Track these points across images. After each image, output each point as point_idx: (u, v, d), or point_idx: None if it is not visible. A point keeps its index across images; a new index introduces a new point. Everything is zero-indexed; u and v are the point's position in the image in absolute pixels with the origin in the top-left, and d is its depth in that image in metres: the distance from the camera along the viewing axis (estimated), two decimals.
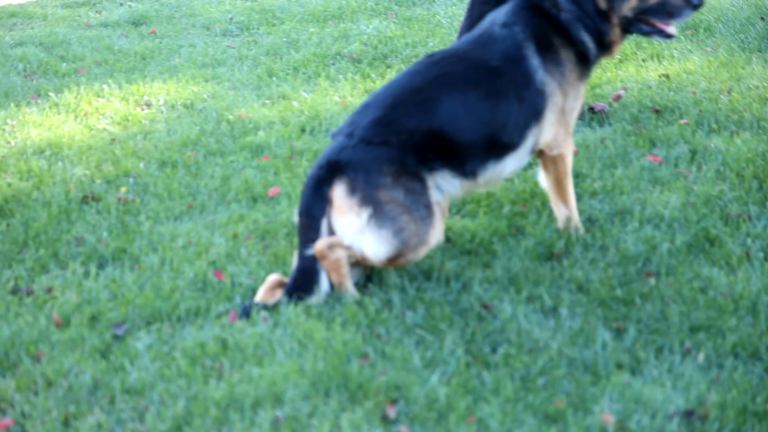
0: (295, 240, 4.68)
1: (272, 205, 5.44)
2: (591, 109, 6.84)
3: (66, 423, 3.65)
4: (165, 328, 4.23)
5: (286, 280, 4.43)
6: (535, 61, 4.67)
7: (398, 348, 3.97)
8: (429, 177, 4.46)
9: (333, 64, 8.55)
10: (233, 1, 11.81)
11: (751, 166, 5.68)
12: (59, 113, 7.30)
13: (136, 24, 10.81)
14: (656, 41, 8.19)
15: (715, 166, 5.73)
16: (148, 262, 4.84)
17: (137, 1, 12.12)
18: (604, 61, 8.04)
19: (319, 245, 4.30)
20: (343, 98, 7.38)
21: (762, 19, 9.22)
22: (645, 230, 4.96)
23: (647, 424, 3.50)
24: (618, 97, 7.07)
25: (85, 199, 5.62)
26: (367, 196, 4.30)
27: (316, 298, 4.34)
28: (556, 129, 4.77)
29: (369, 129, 4.44)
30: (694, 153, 6.00)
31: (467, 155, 4.54)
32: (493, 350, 3.98)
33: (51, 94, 7.75)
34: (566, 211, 4.94)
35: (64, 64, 8.88)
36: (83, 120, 7.11)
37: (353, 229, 4.30)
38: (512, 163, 4.71)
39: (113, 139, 6.64)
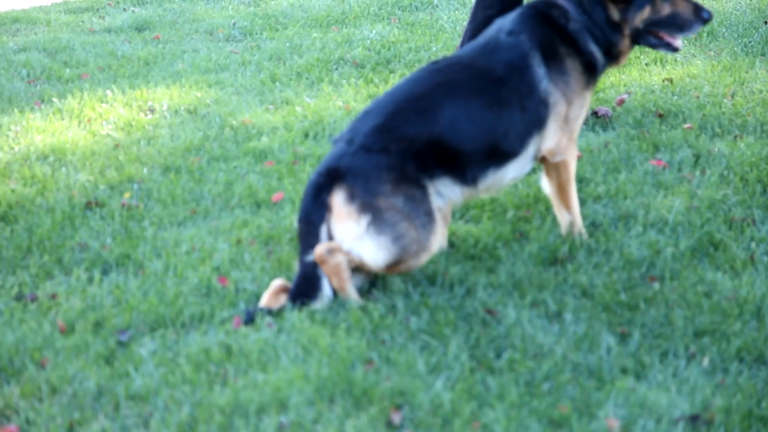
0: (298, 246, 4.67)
1: (276, 211, 5.44)
2: (594, 114, 6.84)
3: (70, 429, 3.65)
4: (169, 334, 4.23)
5: (290, 284, 4.43)
6: (540, 70, 4.67)
7: (402, 353, 3.97)
8: (430, 184, 4.46)
9: (336, 69, 8.55)
10: (236, 6, 11.83)
11: (755, 170, 5.68)
12: (63, 119, 7.30)
13: (139, 29, 10.82)
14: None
15: (718, 171, 5.72)
16: (152, 268, 4.84)
17: (140, 7, 12.14)
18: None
19: (319, 250, 4.30)
20: (347, 103, 7.38)
21: (765, 23, 9.22)
22: (649, 235, 4.95)
23: (652, 429, 3.50)
24: (621, 102, 7.07)
25: (88, 205, 5.62)
26: (367, 203, 4.30)
27: (320, 304, 4.34)
28: (559, 136, 4.77)
29: (369, 136, 4.44)
30: (697, 157, 6.00)
31: (468, 163, 4.54)
32: (498, 355, 3.98)
33: (54, 99, 7.76)
34: (569, 217, 4.94)
35: (68, 70, 8.88)
36: (87, 126, 7.11)
37: (352, 236, 4.30)
38: (513, 171, 4.71)
39: (117, 145, 6.65)
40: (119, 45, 9.94)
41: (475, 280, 4.55)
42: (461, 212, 5.29)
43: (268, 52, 9.30)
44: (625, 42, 4.89)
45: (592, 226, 5.12)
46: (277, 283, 4.44)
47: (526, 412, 3.60)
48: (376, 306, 4.30)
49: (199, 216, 5.48)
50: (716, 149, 6.07)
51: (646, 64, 8.12)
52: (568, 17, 4.79)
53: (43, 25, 11.31)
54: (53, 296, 4.62)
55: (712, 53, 8.39)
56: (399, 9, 10.85)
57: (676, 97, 7.14)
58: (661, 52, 5.10)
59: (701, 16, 4.91)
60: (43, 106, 7.65)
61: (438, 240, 4.46)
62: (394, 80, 7.94)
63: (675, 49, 4.94)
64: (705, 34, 9.00)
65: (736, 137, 6.30)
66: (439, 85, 4.61)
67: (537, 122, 4.68)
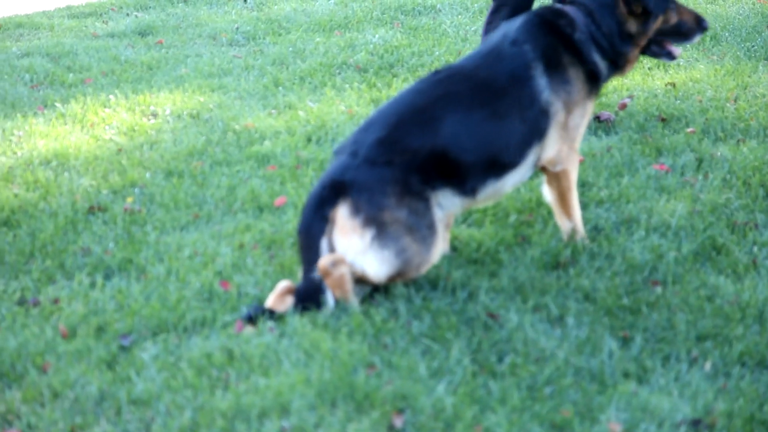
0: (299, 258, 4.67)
1: (278, 215, 5.44)
2: (597, 118, 6.84)
3: None
4: (171, 339, 4.23)
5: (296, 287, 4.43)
6: (542, 81, 4.66)
7: (404, 357, 3.97)
8: (432, 195, 4.46)
9: (339, 73, 8.55)
10: (239, 11, 11.84)
11: (758, 174, 5.67)
12: (66, 124, 7.31)
13: (142, 34, 10.83)
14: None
15: (721, 175, 5.72)
16: (155, 273, 4.84)
17: (144, 12, 12.15)
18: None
19: (323, 263, 4.30)
20: (350, 108, 7.38)
21: None
22: (651, 239, 4.95)
23: None
24: (623, 106, 7.07)
25: (91, 210, 5.62)
26: (371, 217, 4.30)
27: (323, 313, 4.33)
28: (559, 146, 4.77)
29: (373, 148, 4.44)
30: (700, 161, 6.00)
31: (468, 174, 4.54)
32: (500, 359, 3.98)
33: (57, 104, 7.76)
34: (570, 224, 4.94)
35: (71, 75, 8.89)
36: (90, 130, 7.12)
37: (356, 249, 4.30)
38: (512, 180, 4.72)
39: (120, 150, 6.65)
40: (122, 50, 9.95)
41: (478, 284, 4.55)
42: (464, 216, 5.29)
43: (271, 56, 9.30)
44: (635, 52, 4.93)
45: (595, 230, 5.11)
46: (283, 284, 4.43)
47: (528, 416, 3.59)
48: (378, 310, 4.30)
49: (201, 220, 5.48)
50: (719, 153, 6.07)
51: (649, 69, 8.11)
52: (575, 27, 4.79)
53: (46, 30, 11.33)
54: (55, 301, 4.62)
55: (715, 57, 8.39)
56: (402, 13, 10.86)
57: (679, 102, 7.14)
58: (662, 61, 5.10)
59: (702, 25, 5.03)
60: (46, 111, 7.65)
61: (438, 252, 4.48)
62: (398, 85, 7.94)
63: (674, 58, 5.05)
64: (708, 39, 9.00)
65: (738, 141, 6.29)
66: (441, 96, 4.60)
67: (537, 133, 4.69)
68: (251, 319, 4.26)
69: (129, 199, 5.77)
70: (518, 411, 3.62)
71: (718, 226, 5.08)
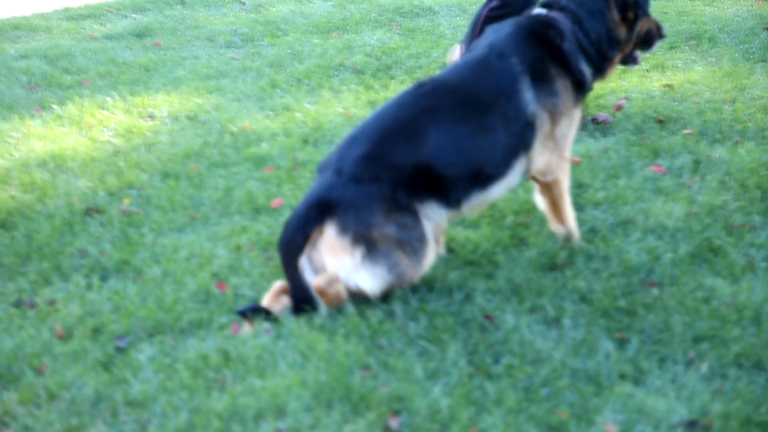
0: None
1: (275, 217, 5.44)
2: (594, 120, 6.84)
3: None
4: (167, 340, 4.23)
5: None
6: (528, 95, 4.64)
7: (401, 359, 3.96)
8: (420, 208, 4.43)
9: (336, 75, 8.55)
10: (237, 13, 11.84)
11: (755, 176, 5.67)
12: (63, 125, 7.31)
13: (140, 36, 10.82)
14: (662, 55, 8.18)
15: (718, 176, 5.72)
16: (151, 274, 4.83)
17: (141, 14, 12.14)
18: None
19: (318, 283, 4.29)
20: (347, 109, 7.38)
21: (766, 29, 9.22)
22: (648, 240, 4.95)
23: None
24: (620, 107, 7.07)
25: (88, 212, 5.62)
26: (360, 236, 4.27)
27: (319, 315, 4.33)
28: (548, 156, 4.77)
29: (358, 165, 4.39)
30: (697, 163, 5.99)
31: (453, 187, 4.51)
32: (496, 361, 3.97)
33: (54, 106, 7.76)
34: (564, 230, 4.94)
35: (68, 77, 8.89)
36: (87, 132, 7.12)
37: (347, 268, 4.28)
38: (498, 190, 4.70)
39: (116, 151, 6.65)
40: (120, 52, 9.94)
41: (474, 285, 4.55)
42: (461, 218, 5.28)
43: (268, 58, 9.30)
44: (619, 58, 5.01)
45: (591, 232, 5.11)
46: (279, 284, 4.43)
47: (523, 417, 3.59)
48: (374, 312, 4.29)
49: (198, 222, 5.48)
50: (716, 155, 6.06)
51: (647, 70, 8.12)
52: (563, 37, 4.78)
53: (43, 32, 11.32)
54: (52, 302, 4.62)
55: (712, 59, 8.39)
56: (400, 15, 10.87)
57: (676, 103, 7.14)
58: (628, 66, 5.15)
59: (661, 32, 5.19)
60: (43, 113, 7.65)
61: (429, 261, 4.46)
62: (395, 86, 7.94)
63: (638, 63, 5.18)
64: (706, 40, 9.01)
65: (736, 143, 6.29)
66: (425, 110, 4.55)
67: (523, 145, 4.67)
68: (244, 315, 4.25)
69: (126, 201, 5.77)
70: (514, 412, 3.62)
71: (715, 227, 5.08)
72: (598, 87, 7.59)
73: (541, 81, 4.68)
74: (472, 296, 4.46)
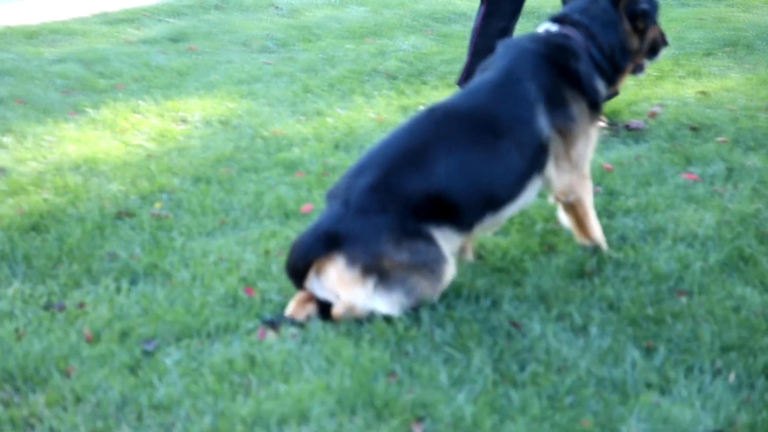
0: None
1: (304, 222, 5.44)
2: (627, 127, 6.81)
3: None
4: (194, 344, 4.23)
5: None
6: (543, 120, 4.59)
7: (426, 366, 3.95)
8: (435, 229, 4.38)
9: (368, 80, 8.56)
10: (272, 17, 11.89)
11: None
12: (96, 129, 7.36)
13: (175, 40, 10.89)
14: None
15: (751, 184, 5.68)
16: (180, 278, 4.85)
17: (177, 18, 12.22)
18: (642, 78, 8.02)
19: (337, 312, 4.29)
20: (378, 115, 7.38)
21: None
22: (678, 248, 4.92)
23: None
24: (653, 114, 7.04)
25: (119, 215, 5.65)
26: (370, 266, 4.24)
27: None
28: (568, 177, 4.74)
29: (365, 196, 4.34)
30: (730, 171, 5.95)
31: (465, 213, 4.47)
32: (521, 368, 3.95)
33: (89, 110, 7.82)
34: (592, 243, 4.91)
35: (103, 80, 8.96)
36: (120, 136, 7.16)
37: (362, 298, 4.27)
38: (511, 211, 4.67)
39: (149, 155, 6.69)
40: (154, 56, 10.00)
41: (501, 292, 4.53)
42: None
43: (301, 63, 9.33)
44: (630, 68, 4.98)
45: (621, 239, 5.08)
46: (304, 292, 4.43)
47: (547, 426, 3.57)
48: (400, 318, 4.28)
49: (228, 226, 5.50)
50: (750, 163, 6.02)
51: (681, 77, 8.08)
52: (578, 57, 4.73)
53: (80, 36, 11.40)
54: (81, 305, 4.64)
55: (748, 66, 8.34)
56: (433, 20, 10.87)
57: (710, 110, 7.10)
58: (634, 75, 5.11)
59: (665, 40, 5.13)
60: (77, 116, 7.71)
61: (450, 276, 4.42)
62: (427, 92, 7.94)
63: (644, 72, 5.16)
64: (742, 47, 8.95)
65: None
66: (437, 138, 4.49)
67: (537, 167, 4.63)
68: (272, 324, 4.26)
69: (157, 205, 5.80)
70: (538, 420, 3.60)
71: (747, 236, 5.04)
72: (632, 93, 7.56)
73: (556, 106, 4.63)
74: (499, 303, 4.45)
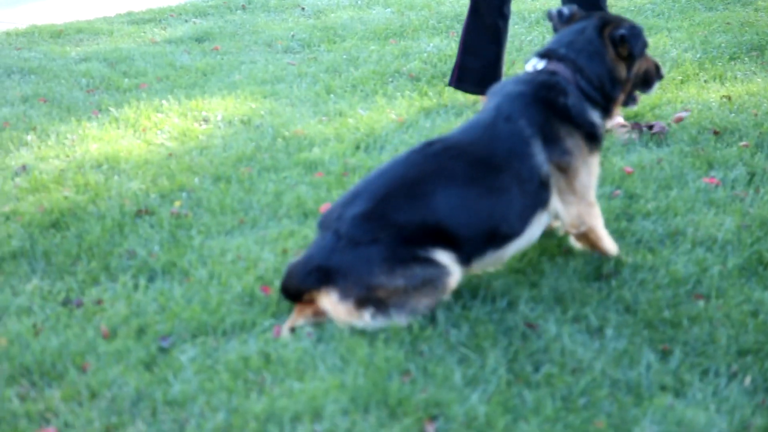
0: None
1: None
2: (649, 127, 6.78)
3: None
4: (210, 342, 4.25)
5: None
6: (540, 156, 4.55)
7: (440, 365, 3.95)
8: (431, 250, 4.32)
9: (391, 81, 8.56)
10: (297, 18, 11.90)
11: None
12: (119, 128, 7.39)
13: (199, 40, 10.92)
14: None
15: None
16: (197, 276, 4.86)
17: (202, 18, 12.26)
18: (665, 82, 7.99)
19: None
20: (399, 116, 7.38)
21: None
22: (697, 252, 4.90)
23: None
24: (680, 119, 7.00)
25: (139, 213, 5.67)
26: (364, 299, 4.22)
27: None
28: (576, 209, 4.72)
29: (356, 226, 4.31)
30: (752, 175, 5.92)
31: (463, 246, 4.41)
32: (536, 369, 3.95)
33: (111, 108, 7.85)
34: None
35: (126, 80, 8.99)
36: (141, 135, 7.19)
37: (361, 325, 4.24)
38: (515, 248, 4.62)
39: (170, 154, 6.71)
40: (179, 56, 10.04)
41: (518, 293, 4.52)
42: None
43: (325, 64, 9.34)
44: (622, 98, 4.93)
45: (639, 243, 5.06)
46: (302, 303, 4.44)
47: (560, 426, 3.56)
48: (416, 318, 4.29)
49: (246, 225, 5.51)
50: None
51: (705, 81, 8.04)
52: (567, 93, 4.69)
53: (105, 35, 11.46)
54: (99, 302, 4.66)
55: None
56: (458, 23, 10.85)
57: (733, 115, 7.06)
58: (627, 107, 5.08)
59: (660, 72, 5.08)
60: (100, 115, 7.74)
61: (456, 281, 4.37)
62: (449, 94, 7.94)
63: (636, 104, 5.13)
64: (767, 51, 8.90)
65: None
66: (435, 172, 4.45)
67: (540, 203, 4.59)
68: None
69: (176, 203, 5.81)
70: (551, 421, 3.60)
71: (766, 240, 5.01)
72: (655, 97, 7.53)
73: (551, 142, 4.59)
74: (515, 304, 4.45)
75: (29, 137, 7.20)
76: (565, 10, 5.03)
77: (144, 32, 11.56)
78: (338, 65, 9.24)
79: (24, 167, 6.53)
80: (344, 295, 4.22)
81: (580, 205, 4.72)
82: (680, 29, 10.12)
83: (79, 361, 4.15)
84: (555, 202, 4.66)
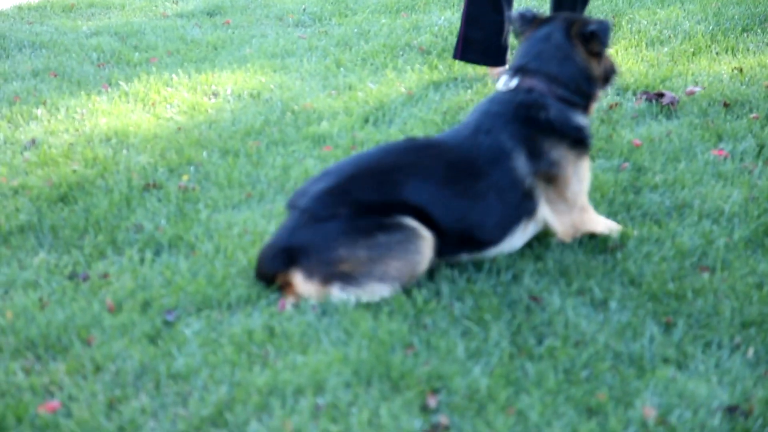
0: None
1: None
2: (659, 96, 6.75)
3: (111, 406, 3.68)
4: (214, 315, 4.26)
5: None
6: (523, 170, 4.52)
7: (443, 339, 3.96)
8: (398, 217, 4.29)
9: (402, 54, 8.54)
10: None
11: None
12: (128, 102, 7.40)
13: (210, 14, 10.92)
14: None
15: None
16: (204, 250, 4.87)
17: None
18: (677, 54, 7.95)
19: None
20: (409, 89, 7.37)
21: None
22: (703, 225, 4.88)
23: (688, 419, 3.45)
24: (691, 93, 6.96)
25: (146, 187, 5.68)
26: (328, 275, 4.23)
27: None
28: (569, 217, 4.69)
29: (317, 201, 4.32)
30: (761, 147, 5.89)
31: (436, 233, 4.38)
32: (539, 342, 3.95)
33: (121, 82, 7.86)
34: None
35: (137, 54, 9.00)
36: (151, 109, 7.20)
37: (333, 299, 4.24)
38: (496, 252, 4.59)
39: (179, 128, 6.71)
40: (189, 30, 10.04)
41: (523, 266, 4.52)
42: None
43: (335, 37, 9.32)
44: (599, 94, 4.89)
45: (646, 215, 5.05)
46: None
47: (562, 399, 3.56)
48: (420, 291, 4.29)
49: (253, 199, 5.51)
50: None
51: (717, 53, 8.00)
52: (548, 107, 4.64)
53: (117, 9, 11.47)
54: (105, 276, 4.68)
55: None
56: None
57: (744, 87, 7.03)
58: None
59: (615, 69, 4.96)
60: (110, 89, 7.75)
61: (430, 244, 4.32)
62: (459, 67, 7.91)
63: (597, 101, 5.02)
64: None
65: None
66: (411, 164, 4.44)
67: (524, 213, 4.56)
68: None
69: (184, 177, 5.82)
70: (553, 393, 3.60)
71: None
72: (666, 70, 7.50)
73: (537, 156, 4.56)
74: (520, 277, 4.44)
75: (39, 111, 7.21)
76: (528, 13, 4.96)
77: (155, 6, 11.56)
78: (349, 39, 9.22)
79: (33, 141, 6.54)
80: (308, 274, 4.24)
81: (573, 212, 4.69)
82: (693, 1, 10.06)
83: (84, 334, 4.16)
84: (544, 212, 4.63)
